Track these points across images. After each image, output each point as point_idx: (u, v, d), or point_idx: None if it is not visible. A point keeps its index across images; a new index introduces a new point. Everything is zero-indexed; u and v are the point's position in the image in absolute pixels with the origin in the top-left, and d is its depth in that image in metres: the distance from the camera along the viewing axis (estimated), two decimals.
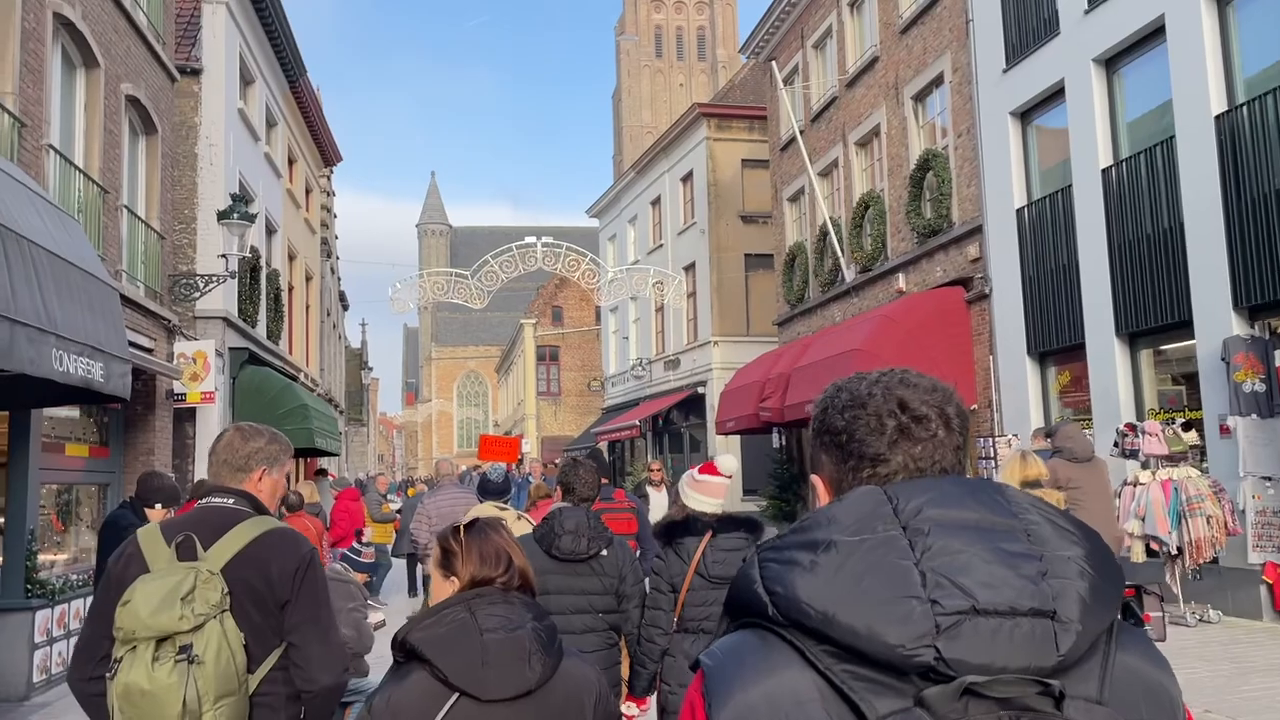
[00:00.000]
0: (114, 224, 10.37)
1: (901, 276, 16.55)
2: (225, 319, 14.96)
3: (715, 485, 4.43)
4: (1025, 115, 13.82)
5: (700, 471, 4.51)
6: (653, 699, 4.49)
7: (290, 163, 21.36)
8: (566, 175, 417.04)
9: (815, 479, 1.29)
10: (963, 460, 1.23)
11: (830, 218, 18.78)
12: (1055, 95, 13.07)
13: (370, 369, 41.58)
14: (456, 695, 2.00)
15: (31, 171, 8.36)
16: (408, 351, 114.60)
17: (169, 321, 11.95)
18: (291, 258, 21.40)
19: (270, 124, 19.25)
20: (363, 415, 44.05)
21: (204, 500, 2.72)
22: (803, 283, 20.93)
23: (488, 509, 5.69)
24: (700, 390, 28.30)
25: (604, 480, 6.93)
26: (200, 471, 14.80)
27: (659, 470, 12.62)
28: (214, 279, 12.44)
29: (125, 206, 10.71)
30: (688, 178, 30.12)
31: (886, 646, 0.98)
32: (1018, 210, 13.70)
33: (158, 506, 6.59)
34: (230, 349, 15.40)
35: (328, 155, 24.80)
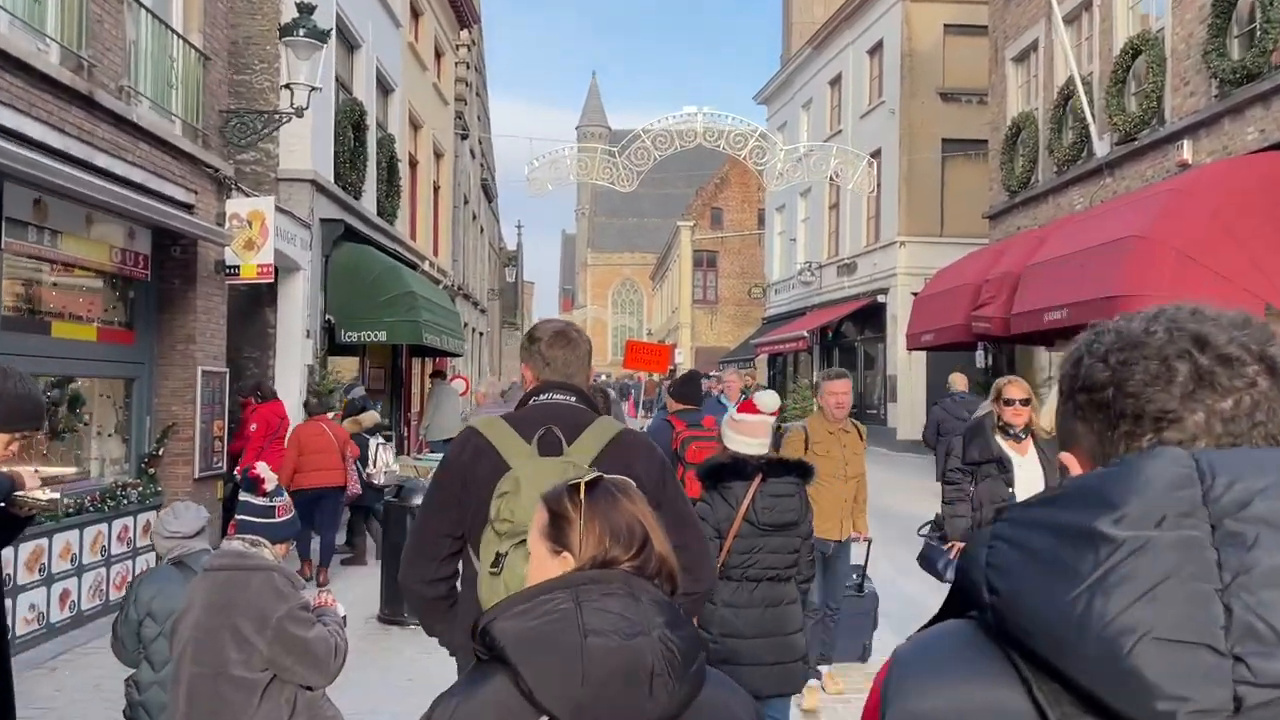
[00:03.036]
0: (114, 21, 7.51)
1: (1187, 143, 12.17)
2: (314, 182, 12.19)
3: (754, 424, 4.10)
4: None
5: (739, 410, 4.26)
6: None
7: (415, 16, 18.38)
8: (731, 80, 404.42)
9: (1068, 459, 0.89)
10: None
11: (1080, 75, 14.38)
12: None
13: (516, 266, 39.35)
14: (544, 719, 1.33)
15: None
16: (565, 257, 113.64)
17: (217, 171, 9.17)
18: (415, 127, 18.58)
19: None
20: (517, 319, 42.19)
21: (543, 397, 2.57)
22: (1029, 163, 16.57)
23: None
24: (880, 299, 24.41)
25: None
26: (283, 368, 12.30)
27: (1025, 402, 5.09)
28: (277, 116, 9.54)
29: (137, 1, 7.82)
30: (876, 49, 25.64)
31: (1148, 710, 0.67)
32: None
33: None
34: (322, 221, 12.70)
35: (463, 14, 21.70)
